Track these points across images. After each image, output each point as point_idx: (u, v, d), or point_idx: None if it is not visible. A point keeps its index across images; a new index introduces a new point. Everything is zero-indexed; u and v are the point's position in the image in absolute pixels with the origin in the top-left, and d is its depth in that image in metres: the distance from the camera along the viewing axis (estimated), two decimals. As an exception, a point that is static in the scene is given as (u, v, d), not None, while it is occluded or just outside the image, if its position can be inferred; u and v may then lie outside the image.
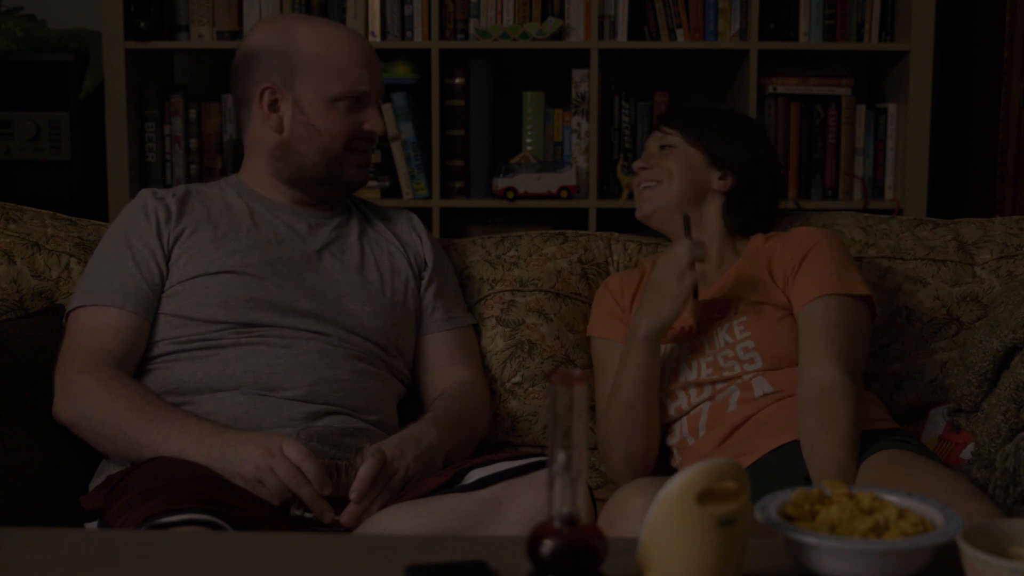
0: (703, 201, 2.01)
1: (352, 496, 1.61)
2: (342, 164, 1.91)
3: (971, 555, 1.03)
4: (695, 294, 1.85)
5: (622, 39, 3.08)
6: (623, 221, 2.06)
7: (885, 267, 2.11)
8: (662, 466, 1.95)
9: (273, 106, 1.89)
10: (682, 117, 2.05)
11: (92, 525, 1.61)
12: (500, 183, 3.08)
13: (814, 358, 1.77)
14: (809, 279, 1.85)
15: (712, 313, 1.90)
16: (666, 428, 1.91)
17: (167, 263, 1.84)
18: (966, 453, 1.87)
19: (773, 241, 1.97)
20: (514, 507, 1.56)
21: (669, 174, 1.99)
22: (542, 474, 1.55)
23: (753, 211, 2.03)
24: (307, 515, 1.60)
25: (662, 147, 2.03)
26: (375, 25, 3.06)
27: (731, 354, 1.85)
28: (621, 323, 1.98)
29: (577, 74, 3.11)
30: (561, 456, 1.02)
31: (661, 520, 1.04)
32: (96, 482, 1.73)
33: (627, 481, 1.86)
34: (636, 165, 2.05)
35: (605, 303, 2.03)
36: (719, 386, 1.85)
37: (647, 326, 1.83)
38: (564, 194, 3.08)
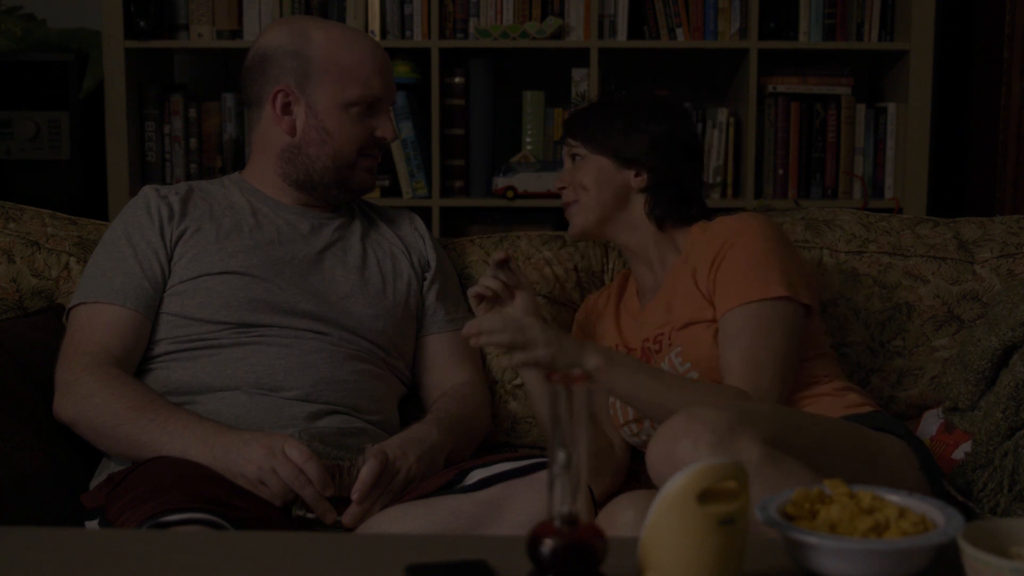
0: (628, 203, 1.93)
1: (354, 497, 1.61)
2: (352, 169, 1.91)
3: (971, 555, 1.03)
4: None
5: (622, 38, 3.08)
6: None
7: (885, 263, 2.11)
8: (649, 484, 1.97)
9: (286, 108, 1.89)
10: (579, 125, 1.95)
11: (93, 523, 1.61)
12: (500, 182, 3.09)
13: (729, 373, 1.75)
14: (723, 287, 1.80)
15: (649, 342, 1.88)
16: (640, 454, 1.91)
17: (169, 262, 1.84)
18: (958, 453, 1.87)
19: (707, 235, 1.88)
20: (515, 508, 1.56)
21: (583, 188, 1.92)
22: (543, 475, 1.55)
23: (677, 198, 1.93)
24: (309, 515, 1.60)
25: (573, 158, 1.96)
26: (375, 24, 3.06)
27: None
28: (591, 341, 1.98)
29: (577, 73, 3.11)
30: (561, 456, 1.02)
31: (661, 520, 1.04)
32: (97, 480, 1.73)
33: (595, 484, 1.87)
34: (555, 186, 1.98)
35: (579, 321, 2.04)
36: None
37: None
38: (564, 193, 3.09)
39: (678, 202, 1.93)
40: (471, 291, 1.87)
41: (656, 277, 1.95)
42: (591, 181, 1.92)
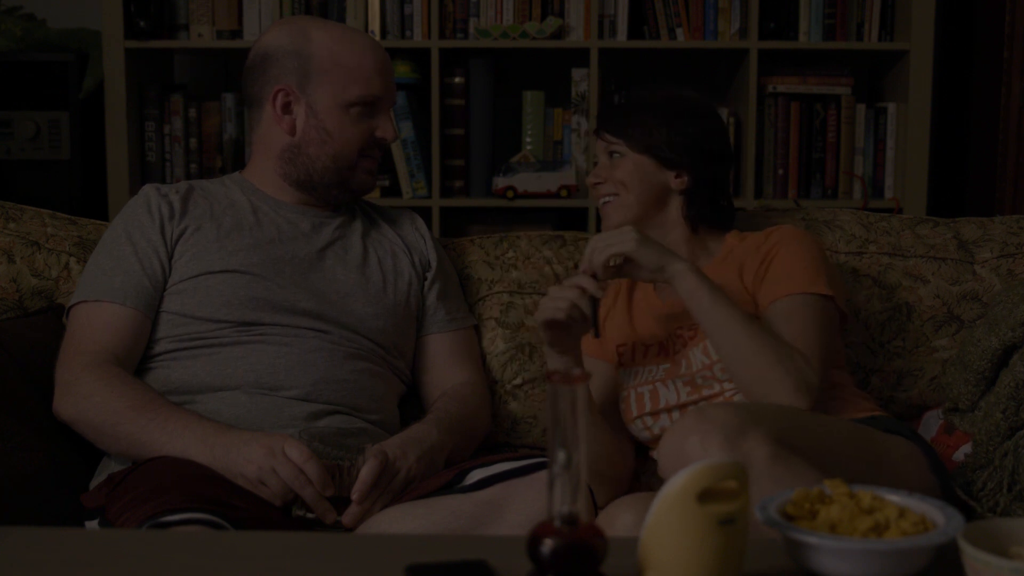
0: (666, 204, 1.94)
1: (354, 496, 1.61)
2: (353, 170, 1.91)
3: (971, 555, 1.03)
4: (596, 332, 1.78)
5: (622, 38, 3.08)
6: (623, 220, 2.04)
7: (885, 263, 2.11)
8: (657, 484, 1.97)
9: (286, 108, 1.89)
10: (621, 123, 1.95)
11: (93, 523, 1.61)
12: (500, 182, 3.09)
13: None
14: (774, 279, 1.83)
15: (683, 330, 1.88)
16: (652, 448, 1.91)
17: (170, 260, 1.84)
18: (959, 455, 1.88)
19: (747, 243, 1.92)
20: (515, 508, 1.56)
21: (623, 185, 1.92)
22: (543, 475, 1.55)
23: (714, 202, 1.95)
24: (309, 515, 1.60)
25: (611, 154, 1.96)
26: (375, 24, 3.06)
27: (709, 374, 1.82)
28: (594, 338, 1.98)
29: (577, 73, 3.11)
30: (561, 456, 1.02)
31: (661, 520, 1.04)
32: (98, 480, 1.73)
33: (598, 490, 1.87)
34: (590, 180, 1.98)
35: None
36: (701, 405, 1.83)
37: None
38: (564, 193, 3.09)
39: (713, 205, 1.95)
40: (540, 318, 1.77)
41: None
42: (632, 179, 1.93)
